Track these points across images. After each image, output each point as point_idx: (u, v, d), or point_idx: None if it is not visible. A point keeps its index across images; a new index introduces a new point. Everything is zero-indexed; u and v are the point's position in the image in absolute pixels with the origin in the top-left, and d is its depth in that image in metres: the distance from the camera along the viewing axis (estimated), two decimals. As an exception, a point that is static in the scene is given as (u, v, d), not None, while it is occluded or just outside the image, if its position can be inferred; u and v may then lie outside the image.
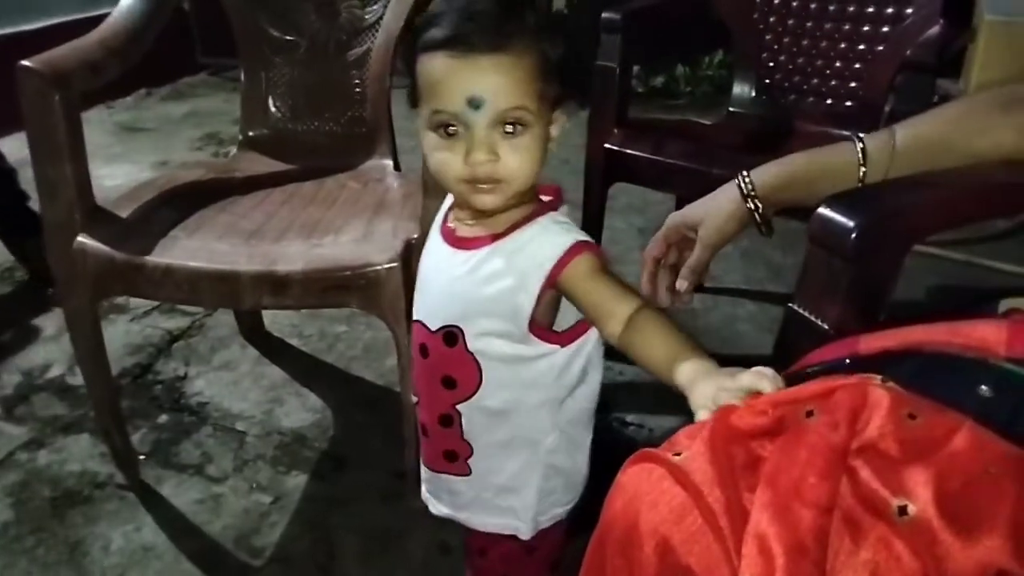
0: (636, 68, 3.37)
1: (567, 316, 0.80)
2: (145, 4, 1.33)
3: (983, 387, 0.51)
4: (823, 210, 0.69)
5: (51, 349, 1.72)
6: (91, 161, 1.23)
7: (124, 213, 1.24)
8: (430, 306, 0.82)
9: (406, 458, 1.27)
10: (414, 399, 0.90)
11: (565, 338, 0.79)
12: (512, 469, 0.84)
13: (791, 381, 0.60)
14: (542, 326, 0.78)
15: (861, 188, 0.75)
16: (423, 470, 0.93)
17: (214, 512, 1.31)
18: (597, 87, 1.54)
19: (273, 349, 1.72)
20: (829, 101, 1.68)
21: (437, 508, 0.92)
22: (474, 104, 0.68)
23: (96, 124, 3.11)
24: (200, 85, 3.75)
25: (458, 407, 0.82)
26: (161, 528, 1.28)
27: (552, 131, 0.75)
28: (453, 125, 0.70)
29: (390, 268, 1.11)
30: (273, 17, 1.45)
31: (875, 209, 0.69)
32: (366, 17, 1.44)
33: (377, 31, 1.43)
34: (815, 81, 1.70)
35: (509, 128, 0.70)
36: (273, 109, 1.49)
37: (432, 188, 1.11)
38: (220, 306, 1.66)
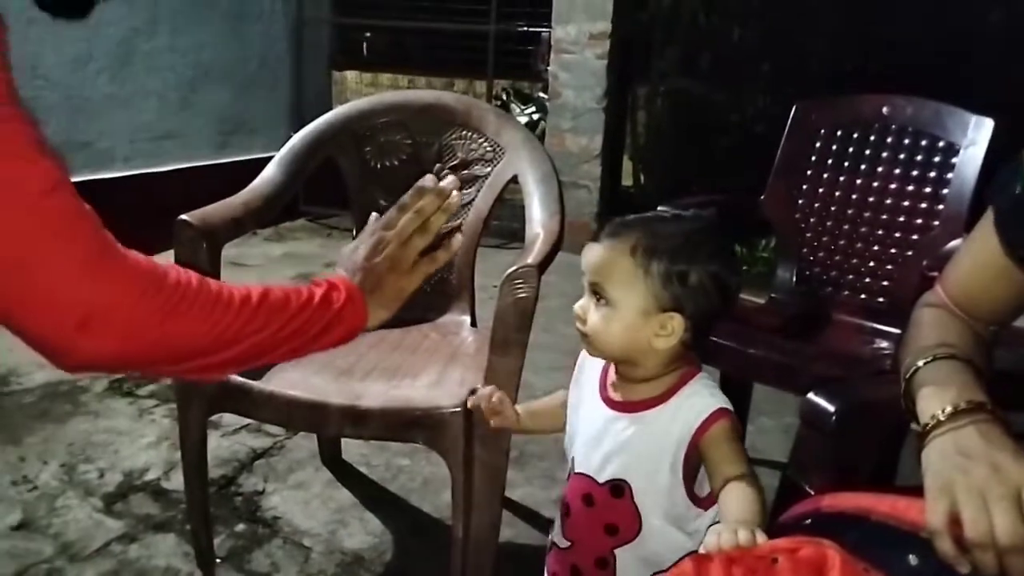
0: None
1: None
2: (283, 176, 1.63)
3: (911, 556, 0.66)
4: (811, 395, 0.86)
5: (150, 454, 1.94)
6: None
7: (243, 344, 1.48)
8: (597, 462, 0.96)
9: (453, 587, 1.41)
10: (566, 543, 1.02)
11: (707, 502, 0.93)
12: None
13: (774, 533, 0.75)
14: (689, 486, 0.92)
15: (846, 378, 0.92)
16: None
17: (277, 618, 1.46)
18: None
19: (344, 474, 1.90)
20: (863, 296, 1.86)
21: None
22: (582, 268, 0.93)
23: (206, 257, 3.48)
24: (299, 229, 4.16)
25: (616, 551, 0.95)
26: (230, 627, 1.43)
27: (661, 329, 0.90)
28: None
29: (454, 412, 1.30)
30: (386, 192, 1.74)
31: (853, 398, 0.85)
32: (462, 198, 1.71)
33: (469, 210, 1.70)
34: (850, 277, 1.88)
35: (597, 297, 0.92)
36: (374, 267, 1.75)
37: (499, 345, 1.32)
38: (309, 430, 1.87)
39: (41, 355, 0.70)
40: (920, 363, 0.79)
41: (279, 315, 0.82)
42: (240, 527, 1.70)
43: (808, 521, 0.75)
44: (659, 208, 1.82)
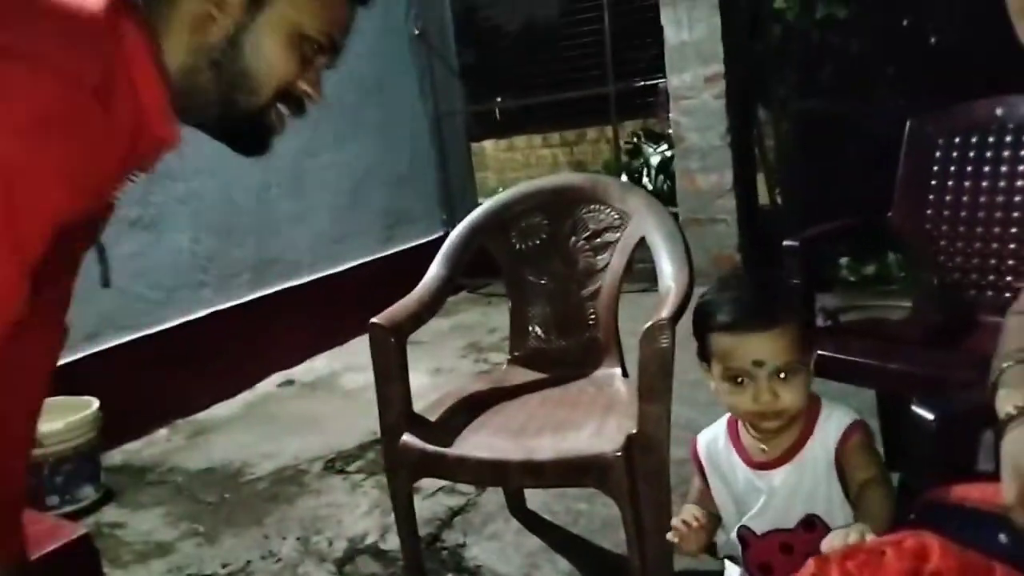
0: (845, 260, 3.62)
1: None
2: (446, 271, 1.92)
3: (1002, 536, 0.79)
4: (915, 407, 0.99)
5: (367, 521, 2.25)
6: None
7: (432, 417, 1.75)
8: (779, 516, 1.08)
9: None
10: None
11: None
12: None
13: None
14: None
15: (947, 391, 1.03)
16: None
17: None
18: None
19: (531, 522, 2.12)
20: (1007, 295, 1.87)
21: None
22: (757, 363, 1.02)
23: (386, 340, 3.88)
24: (462, 302, 4.51)
25: None
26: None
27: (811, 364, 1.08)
28: (742, 377, 1.04)
29: (616, 456, 1.49)
30: (532, 268, 1.99)
31: (953, 407, 0.97)
32: (598, 263, 1.93)
33: (606, 272, 1.91)
34: (991, 277, 1.90)
35: (783, 375, 1.03)
36: (532, 333, 1.99)
37: (646, 395, 1.50)
38: (495, 485, 2.12)
39: None
40: (1003, 366, 0.90)
41: None
42: (449, 577, 1.96)
43: (912, 516, 0.88)
44: (784, 243, 1.95)
